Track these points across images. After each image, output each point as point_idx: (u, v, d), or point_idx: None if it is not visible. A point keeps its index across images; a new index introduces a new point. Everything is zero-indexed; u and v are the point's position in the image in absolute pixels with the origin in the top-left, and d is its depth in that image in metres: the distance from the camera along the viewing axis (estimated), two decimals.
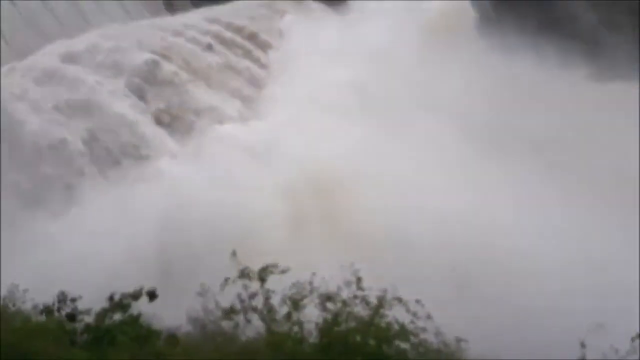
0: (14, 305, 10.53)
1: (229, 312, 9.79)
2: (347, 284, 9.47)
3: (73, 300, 10.14)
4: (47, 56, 27.62)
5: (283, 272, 9.91)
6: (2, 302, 10.59)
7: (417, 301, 9.16)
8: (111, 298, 10.20)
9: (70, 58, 27.27)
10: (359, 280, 9.47)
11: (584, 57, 34.16)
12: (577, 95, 31.73)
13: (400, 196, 21.17)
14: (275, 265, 9.99)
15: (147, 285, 10.41)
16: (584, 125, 28.75)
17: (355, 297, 9.39)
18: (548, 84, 32.06)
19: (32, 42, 33.15)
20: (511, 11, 38.19)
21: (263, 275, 9.84)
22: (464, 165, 23.65)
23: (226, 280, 9.92)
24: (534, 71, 32.54)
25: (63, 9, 39.26)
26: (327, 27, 34.78)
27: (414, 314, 8.93)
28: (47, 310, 10.16)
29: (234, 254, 10.17)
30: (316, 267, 10.09)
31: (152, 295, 10.45)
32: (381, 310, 9.17)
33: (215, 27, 33.13)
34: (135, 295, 10.34)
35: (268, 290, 9.75)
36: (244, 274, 9.88)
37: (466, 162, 23.92)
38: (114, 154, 24.57)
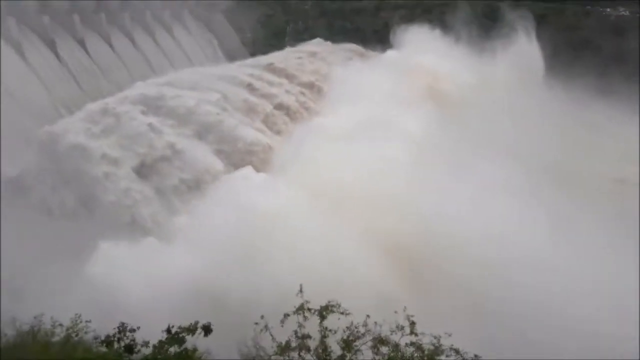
0: (76, 335, 10.87)
1: (284, 348, 9.72)
2: (399, 327, 9.47)
3: (132, 331, 10.34)
4: (121, 100, 29.26)
5: (345, 313, 9.83)
6: (65, 332, 10.90)
7: (476, 357, 9.16)
8: (168, 331, 10.52)
9: (142, 104, 28.74)
10: (412, 324, 9.46)
11: None
12: None
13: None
14: (337, 305, 9.97)
15: (203, 320, 10.67)
16: None
17: (411, 343, 9.36)
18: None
19: (104, 88, 35.68)
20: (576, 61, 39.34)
21: (324, 313, 9.84)
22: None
23: (286, 315, 9.94)
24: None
25: (131, 57, 41.97)
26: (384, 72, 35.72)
27: None
28: (108, 342, 10.36)
29: (300, 289, 10.16)
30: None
31: (207, 330, 10.63)
32: (436, 358, 9.19)
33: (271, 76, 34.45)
34: (191, 330, 10.59)
35: (326, 329, 9.72)
36: (303, 308, 9.92)
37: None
38: (180, 188, 25.60)
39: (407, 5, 51.08)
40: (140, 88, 29.52)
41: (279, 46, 40.76)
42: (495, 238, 19.66)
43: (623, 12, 45.97)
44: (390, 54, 39.50)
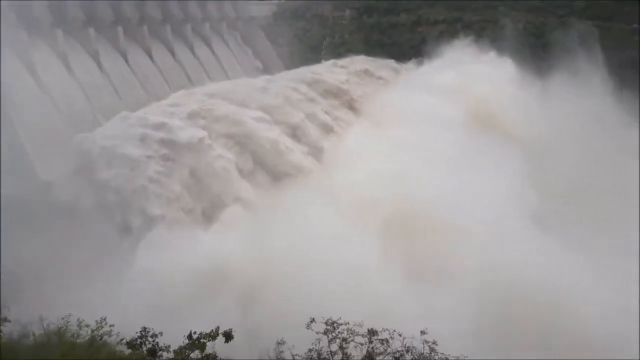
0: (101, 338, 10.95)
1: None
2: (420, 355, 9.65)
3: (154, 336, 10.46)
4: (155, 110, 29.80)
5: (373, 333, 9.98)
6: (90, 335, 11.03)
7: None
8: (190, 336, 10.54)
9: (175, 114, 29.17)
10: (432, 351, 9.66)
11: None
12: None
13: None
14: (360, 325, 10.17)
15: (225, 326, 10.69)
16: None
17: None
18: None
19: (142, 98, 36.49)
20: None
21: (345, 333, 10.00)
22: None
23: (309, 324, 10.11)
24: None
25: (170, 68, 42.84)
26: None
27: None
28: (131, 345, 10.49)
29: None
30: None
31: (228, 336, 10.63)
32: None
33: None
34: (213, 336, 10.59)
35: (345, 339, 9.88)
36: (328, 324, 10.08)
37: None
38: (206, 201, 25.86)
39: (447, 20, 50.55)
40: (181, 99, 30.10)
41: (315, 60, 41.01)
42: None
43: None
44: (427, 70, 39.13)
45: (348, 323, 10.21)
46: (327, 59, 42.32)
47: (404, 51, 45.95)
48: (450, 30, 48.16)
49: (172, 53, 43.28)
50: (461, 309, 17.48)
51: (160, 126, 26.76)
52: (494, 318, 17.36)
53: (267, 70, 46.34)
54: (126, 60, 38.74)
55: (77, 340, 10.75)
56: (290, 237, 20.36)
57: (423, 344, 9.70)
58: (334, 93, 35.99)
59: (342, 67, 39.26)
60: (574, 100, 34.23)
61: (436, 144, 27.34)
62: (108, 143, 25.23)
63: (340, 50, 46.86)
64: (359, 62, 41.07)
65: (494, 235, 20.72)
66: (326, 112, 33.59)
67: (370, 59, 41.96)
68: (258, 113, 29.93)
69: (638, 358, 13.95)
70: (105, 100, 34.14)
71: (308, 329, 10.15)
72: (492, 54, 39.65)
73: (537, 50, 41.30)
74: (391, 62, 42.29)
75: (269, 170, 27.87)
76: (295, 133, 30.60)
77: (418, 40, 48.44)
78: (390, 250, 20.38)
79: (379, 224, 21.78)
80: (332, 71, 38.31)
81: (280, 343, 10.35)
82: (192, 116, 28.65)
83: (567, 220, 24.87)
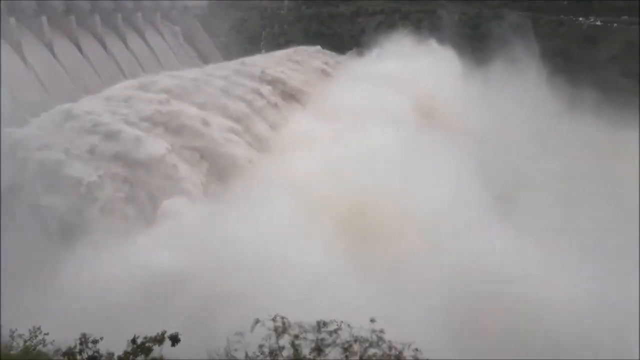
0: (34, 349, 10.27)
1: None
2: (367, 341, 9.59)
3: (95, 342, 9.81)
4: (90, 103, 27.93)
5: (322, 325, 9.82)
6: (24, 345, 10.34)
7: None
8: (134, 341, 10.00)
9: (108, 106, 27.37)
10: (379, 340, 9.61)
11: None
12: None
13: None
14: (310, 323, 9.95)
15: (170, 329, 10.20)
16: None
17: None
18: None
19: (72, 92, 34.58)
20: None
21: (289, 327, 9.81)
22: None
23: (256, 322, 9.79)
24: None
25: (101, 61, 41.02)
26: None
27: None
28: (69, 354, 9.78)
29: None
30: None
31: (174, 340, 10.14)
32: None
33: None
34: (159, 340, 10.10)
35: (297, 336, 9.65)
36: (276, 321, 9.80)
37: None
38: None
39: (385, 11, 50.78)
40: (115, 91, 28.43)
41: (254, 51, 40.26)
42: None
43: (595, 22, 46.75)
44: (369, 60, 39.08)
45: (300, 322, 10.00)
46: (266, 50, 41.71)
47: (344, 42, 45.93)
48: (389, 20, 48.57)
49: (103, 44, 41.52)
50: (419, 304, 17.49)
51: (113, 135, 24.02)
52: (454, 309, 17.43)
53: (204, 61, 45.10)
54: (52, 53, 36.77)
55: (11, 352, 10.14)
56: (239, 234, 19.68)
57: (371, 333, 9.62)
58: (277, 84, 35.34)
59: (284, 58, 38.73)
60: (513, 90, 35.21)
61: (384, 137, 27.19)
62: (47, 156, 22.33)
63: (279, 40, 46.29)
64: (301, 52, 40.63)
65: (450, 226, 20.75)
66: (270, 104, 32.94)
67: (311, 49, 41.60)
68: (220, 119, 28.76)
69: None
70: (30, 94, 32.21)
71: (251, 332, 9.89)
72: (433, 45, 40.11)
73: (474, 41, 42.13)
74: (332, 53, 42.13)
75: (214, 163, 26.82)
76: (238, 125, 29.71)
77: (357, 31, 48.45)
78: (344, 246, 20.10)
79: (331, 219, 21.33)
80: (273, 62, 37.66)
81: (232, 340, 10.01)
82: (146, 120, 26.62)
83: (518, 207, 25.48)
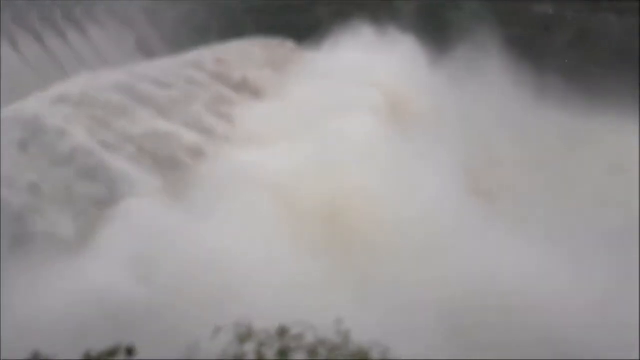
0: None
1: None
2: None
3: None
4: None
5: (283, 331, 8.44)
6: None
7: None
8: (87, 356, 8.91)
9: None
10: (345, 340, 8.43)
11: None
12: None
13: None
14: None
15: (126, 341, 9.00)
16: None
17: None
18: None
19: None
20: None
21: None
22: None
23: (217, 329, 8.50)
24: None
25: (38, 59, 38.58)
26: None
27: None
28: None
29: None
30: None
31: (130, 352, 9.03)
32: None
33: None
34: (113, 352, 8.94)
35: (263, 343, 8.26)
36: (239, 326, 8.38)
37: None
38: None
39: (341, 0, 49.55)
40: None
41: (203, 43, 38.39)
42: None
43: (547, 11, 47.32)
44: (328, 52, 37.69)
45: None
46: (216, 43, 39.92)
47: (299, 33, 44.52)
48: (345, 10, 47.33)
49: (41, 40, 39.13)
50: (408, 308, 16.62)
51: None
52: (445, 311, 16.76)
53: (151, 55, 43.03)
54: None
55: None
56: (206, 238, 18.09)
57: (337, 334, 8.67)
58: (228, 77, 33.77)
59: (235, 50, 37.15)
60: (480, 77, 34.67)
61: (355, 132, 25.66)
62: None
63: (230, 33, 44.57)
64: (254, 44, 39.14)
65: (439, 223, 19.86)
66: (222, 97, 31.29)
67: (264, 41, 40.14)
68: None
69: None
70: None
71: (212, 340, 8.78)
72: (394, 34, 39.04)
73: (434, 30, 41.40)
74: (288, 44, 40.77)
75: (166, 158, 24.92)
76: (194, 121, 27.93)
77: (313, 21, 47.00)
78: (324, 251, 18.76)
79: (309, 220, 19.93)
80: (223, 54, 36.04)
81: (192, 347, 8.86)
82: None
83: (500, 204, 24.96)
